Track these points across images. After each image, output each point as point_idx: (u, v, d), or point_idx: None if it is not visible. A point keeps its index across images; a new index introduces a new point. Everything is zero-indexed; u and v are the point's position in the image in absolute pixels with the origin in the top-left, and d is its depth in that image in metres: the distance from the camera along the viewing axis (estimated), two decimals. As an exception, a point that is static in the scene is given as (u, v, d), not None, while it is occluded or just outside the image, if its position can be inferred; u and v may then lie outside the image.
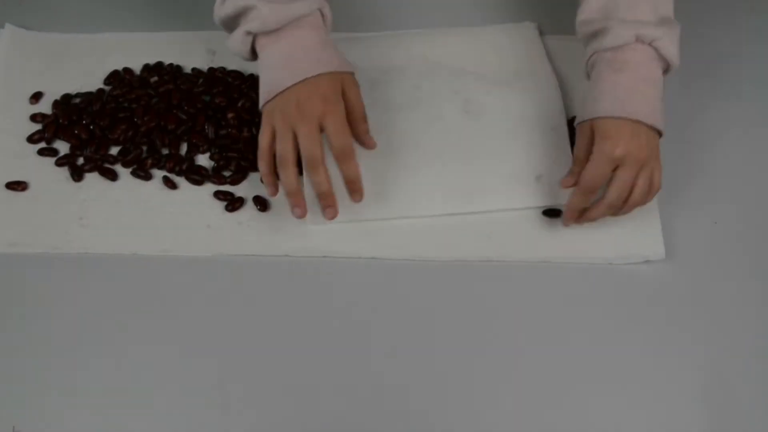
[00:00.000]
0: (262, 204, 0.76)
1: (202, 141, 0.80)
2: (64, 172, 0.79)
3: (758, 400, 0.66)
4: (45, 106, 0.83)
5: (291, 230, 0.75)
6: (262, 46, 0.73)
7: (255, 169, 0.77)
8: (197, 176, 0.78)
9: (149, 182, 0.78)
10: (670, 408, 0.66)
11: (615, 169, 0.70)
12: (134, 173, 0.78)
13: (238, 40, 0.73)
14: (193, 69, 0.86)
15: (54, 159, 0.80)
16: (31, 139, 0.81)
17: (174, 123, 0.81)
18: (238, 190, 0.78)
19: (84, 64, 0.86)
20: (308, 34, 0.72)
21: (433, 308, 0.71)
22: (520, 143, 0.79)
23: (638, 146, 0.70)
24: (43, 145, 0.81)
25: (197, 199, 0.77)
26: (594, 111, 0.72)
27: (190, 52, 0.87)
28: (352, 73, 0.74)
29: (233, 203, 0.76)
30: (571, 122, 0.81)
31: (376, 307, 0.71)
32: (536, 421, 0.65)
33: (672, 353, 0.69)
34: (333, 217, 0.73)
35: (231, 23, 0.74)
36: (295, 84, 0.70)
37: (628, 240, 0.74)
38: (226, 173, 0.78)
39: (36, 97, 0.84)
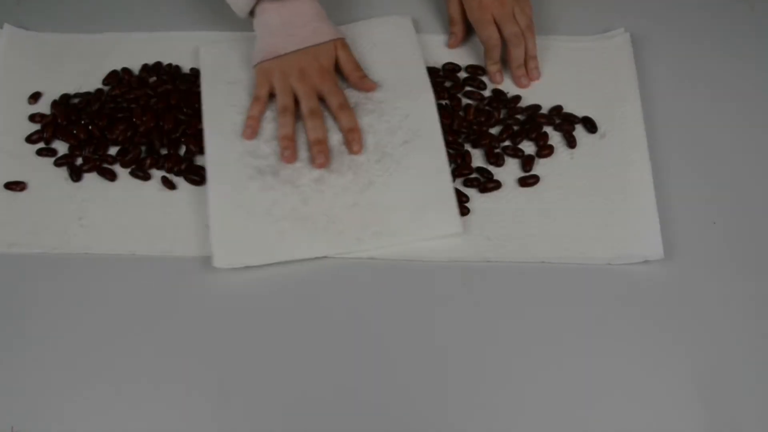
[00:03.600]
0: None
1: (200, 142, 0.80)
2: (63, 172, 0.79)
3: (758, 400, 0.66)
4: (44, 107, 0.83)
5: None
6: (264, 10, 0.81)
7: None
8: (196, 176, 0.78)
9: (148, 182, 0.78)
10: (669, 408, 0.66)
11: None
12: (133, 173, 0.79)
13: (239, 1, 0.80)
14: (192, 69, 0.86)
15: (53, 159, 0.80)
16: (30, 139, 0.81)
17: (172, 123, 0.81)
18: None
19: (83, 64, 0.86)
20: (307, 6, 0.82)
21: (433, 308, 0.71)
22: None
23: (501, 1, 0.83)
24: (41, 145, 0.81)
25: (196, 199, 0.77)
26: None
27: (188, 52, 0.87)
28: (344, 39, 0.83)
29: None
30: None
31: (375, 308, 0.71)
32: (536, 420, 0.65)
33: (671, 353, 0.69)
34: (322, 163, 0.76)
35: None
36: (296, 51, 0.79)
37: (627, 240, 0.75)
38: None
39: (35, 97, 0.84)
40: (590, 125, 0.82)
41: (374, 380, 0.67)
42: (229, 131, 0.79)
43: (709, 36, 0.90)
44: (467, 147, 0.81)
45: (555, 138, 0.82)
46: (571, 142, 0.81)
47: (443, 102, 0.84)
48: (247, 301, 0.71)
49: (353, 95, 0.82)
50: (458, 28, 0.88)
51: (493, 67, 0.86)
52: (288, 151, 0.77)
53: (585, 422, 0.65)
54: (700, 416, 0.65)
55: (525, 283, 0.73)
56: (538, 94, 0.85)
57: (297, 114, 0.80)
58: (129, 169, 0.79)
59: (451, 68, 0.87)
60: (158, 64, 0.86)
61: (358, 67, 0.82)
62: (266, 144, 0.78)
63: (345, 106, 0.79)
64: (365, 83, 0.82)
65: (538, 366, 0.68)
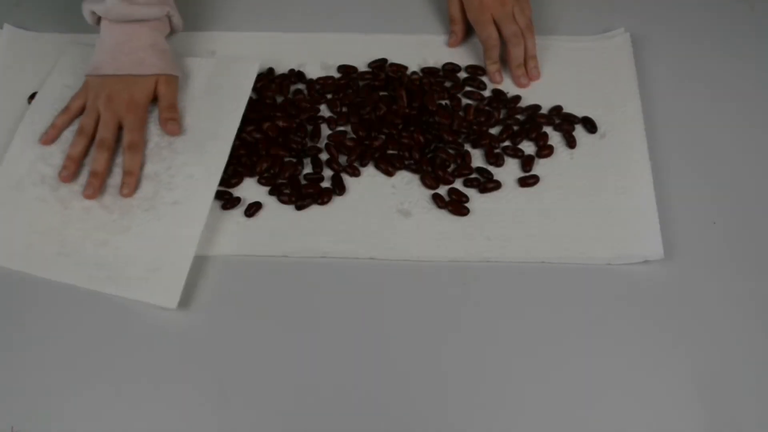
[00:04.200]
0: (255, 207, 0.76)
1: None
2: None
3: (758, 400, 0.66)
4: (44, 107, 0.83)
5: (290, 231, 0.75)
6: (103, 26, 0.80)
7: (250, 174, 0.78)
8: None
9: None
10: (669, 408, 0.66)
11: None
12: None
13: (86, 10, 0.80)
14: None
15: (52, 159, 0.80)
16: (29, 139, 0.81)
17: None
18: (235, 191, 0.78)
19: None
20: (144, 34, 0.80)
21: (433, 309, 0.71)
22: None
23: (502, 1, 0.84)
24: (40, 145, 0.81)
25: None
26: None
27: (189, 52, 0.87)
28: (175, 76, 0.81)
29: (232, 201, 0.77)
30: (556, 112, 0.83)
31: (375, 308, 0.71)
32: (536, 420, 0.65)
33: (671, 353, 0.69)
34: (90, 195, 0.75)
35: None
36: (114, 75, 0.78)
37: (627, 240, 0.74)
38: (224, 174, 0.78)
39: (34, 97, 0.84)
40: (590, 125, 0.82)
41: (374, 380, 0.67)
42: (40, 132, 0.79)
43: (709, 36, 0.90)
44: (467, 147, 0.81)
45: (555, 138, 0.82)
46: (570, 142, 0.81)
47: (443, 102, 0.84)
48: (246, 301, 0.71)
49: (158, 137, 0.79)
50: (458, 28, 0.89)
51: (493, 67, 0.86)
52: (66, 171, 0.76)
53: (585, 422, 0.65)
54: (700, 416, 0.65)
55: (525, 283, 0.73)
56: (538, 94, 0.85)
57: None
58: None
59: (451, 68, 0.87)
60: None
61: (172, 107, 0.80)
62: (61, 155, 0.78)
63: (134, 146, 0.77)
64: (168, 126, 0.79)
65: (538, 366, 0.68)
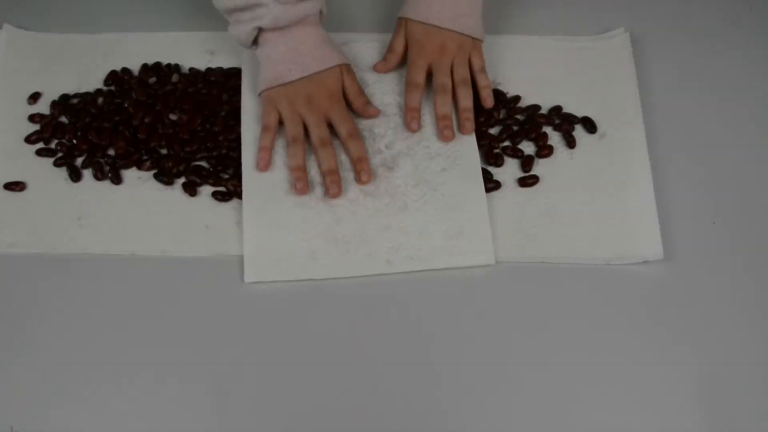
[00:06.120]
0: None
1: (199, 142, 0.80)
2: (63, 172, 0.79)
3: (758, 400, 0.66)
4: (43, 107, 0.83)
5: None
6: (266, 40, 0.78)
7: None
8: (196, 177, 0.78)
9: (148, 183, 0.78)
10: (669, 408, 0.66)
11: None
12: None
13: (244, 32, 0.77)
14: (191, 69, 0.86)
15: (52, 159, 0.79)
16: (29, 139, 0.81)
17: (172, 124, 0.81)
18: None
19: (82, 64, 0.86)
20: (311, 32, 0.79)
21: (433, 309, 0.71)
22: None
23: (442, 51, 0.81)
24: (41, 145, 0.81)
25: (196, 200, 0.77)
26: (405, 11, 0.82)
27: (188, 52, 0.87)
28: (349, 64, 0.81)
29: (230, 195, 0.77)
30: (556, 112, 0.83)
31: (374, 308, 0.71)
32: (536, 420, 0.65)
33: (670, 353, 0.69)
34: (335, 194, 0.75)
35: (237, 14, 0.77)
36: (302, 78, 0.77)
37: (627, 240, 0.75)
38: (225, 175, 0.78)
39: (34, 97, 0.84)
40: (590, 125, 0.82)
41: (376, 381, 0.67)
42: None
43: (709, 36, 0.90)
44: (467, 147, 0.81)
45: (554, 138, 0.82)
46: (570, 142, 0.81)
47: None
48: (246, 302, 0.71)
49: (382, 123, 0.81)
50: (393, 59, 0.84)
51: (408, 113, 0.80)
52: (300, 183, 0.75)
53: (585, 422, 0.65)
54: (700, 416, 0.65)
55: (525, 283, 0.73)
56: (538, 94, 0.85)
57: (307, 142, 0.78)
58: (129, 170, 0.79)
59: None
60: (158, 64, 0.86)
61: (361, 92, 0.81)
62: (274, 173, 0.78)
63: (354, 134, 0.78)
64: (368, 110, 0.80)
65: (538, 366, 0.68)
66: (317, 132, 0.77)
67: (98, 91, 0.84)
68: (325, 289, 0.72)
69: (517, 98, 0.84)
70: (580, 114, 0.83)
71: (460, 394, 0.67)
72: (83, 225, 0.76)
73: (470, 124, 0.80)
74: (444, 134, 0.79)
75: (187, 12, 0.90)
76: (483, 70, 0.83)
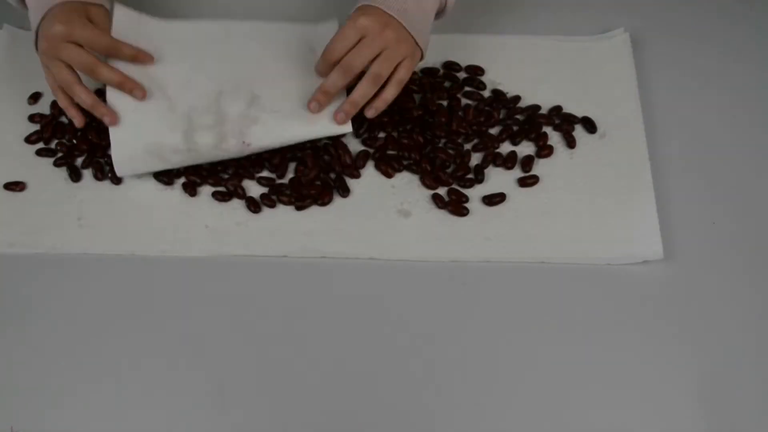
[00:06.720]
0: (254, 205, 0.76)
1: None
2: (63, 172, 0.79)
3: (758, 400, 0.66)
4: (44, 107, 0.83)
5: (289, 231, 0.75)
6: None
7: (250, 176, 0.78)
8: (196, 177, 0.78)
9: (148, 183, 0.78)
10: (669, 407, 0.66)
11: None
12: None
13: None
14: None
15: (52, 159, 0.80)
16: (29, 139, 0.81)
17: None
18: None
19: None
20: None
21: (433, 309, 0.71)
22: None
23: (383, 30, 0.73)
24: (41, 145, 0.81)
25: (196, 200, 0.77)
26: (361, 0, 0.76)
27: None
28: (101, 6, 0.76)
29: (230, 195, 0.77)
30: (555, 112, 0.83)
31: (374, 308, 0.71)
32: (536, 420, 0.65)
33: (670, 353, 0.69)
34: (143, 95, 0.75)
35: None
36: (42, 20, 0.74)
37: (627, 240, 0.75)
38: (225, 175, 0.78)
39: (34, 97, 0.84)
40: (590, 125, 0.82)
41: (373, 380, 0.67)
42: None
43: (709, 36, 0.90)
44: (467, 147, 0.81)
45: (554, 138, 0.82)
46: (570, 143, 0.81)
47: (443, 102, 0.84)
48: (246, 302, 0.71)
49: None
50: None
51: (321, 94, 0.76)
52: (107, 117, 0.74)
53: (585, 422, 0.65)
54: (700, 416, 0.65)
55: (525, 283, 0.73)
56: (538, 94, 0.85)
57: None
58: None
59: (450, 68, 0.87)
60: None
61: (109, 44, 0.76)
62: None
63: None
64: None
65: (538, 366, 0.68)
66: (77, 61, 0.74)
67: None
68: (323, 292, 0.72)
69: (517, 98, 0.85)
70: (580, 114, 0.83)
71: (460, 394, 0.67)
72: (83, 225, 0.76)
73: (344, 116, 0.76)
74: (310, 106, 0.76)
75: (186, 12, 0.90)
76: (402, 83, 0.76)
